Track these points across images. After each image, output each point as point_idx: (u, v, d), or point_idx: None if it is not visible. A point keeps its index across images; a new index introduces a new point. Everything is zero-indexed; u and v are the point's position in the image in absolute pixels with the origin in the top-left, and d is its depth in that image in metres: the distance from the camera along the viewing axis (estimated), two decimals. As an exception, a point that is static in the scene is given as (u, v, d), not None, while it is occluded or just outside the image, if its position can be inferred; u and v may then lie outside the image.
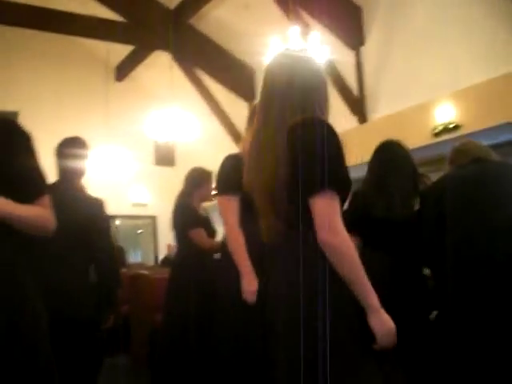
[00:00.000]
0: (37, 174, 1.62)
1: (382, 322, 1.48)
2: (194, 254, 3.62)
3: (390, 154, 2.85)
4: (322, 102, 1.61)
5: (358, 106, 7.87)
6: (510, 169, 2.51)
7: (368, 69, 7.83)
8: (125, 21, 9.00)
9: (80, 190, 2.92)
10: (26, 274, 1.52)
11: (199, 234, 3.62)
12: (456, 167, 2.63)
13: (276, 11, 7.40)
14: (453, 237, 2.40)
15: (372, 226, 2.64)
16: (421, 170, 5.83)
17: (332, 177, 1.44)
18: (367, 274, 2.39)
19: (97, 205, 2.91)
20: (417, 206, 2.67)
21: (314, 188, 1.44)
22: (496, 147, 5.92)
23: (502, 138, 6.53)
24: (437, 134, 6.74)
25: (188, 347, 3.46)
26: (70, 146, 2.89)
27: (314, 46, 6.10)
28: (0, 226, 1.47)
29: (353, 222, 2.55)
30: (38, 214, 1.57)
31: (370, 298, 1.49)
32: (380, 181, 2.73)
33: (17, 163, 1.54)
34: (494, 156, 2.66)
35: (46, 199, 1.62)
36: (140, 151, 10.09)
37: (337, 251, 1.46)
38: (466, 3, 6.48)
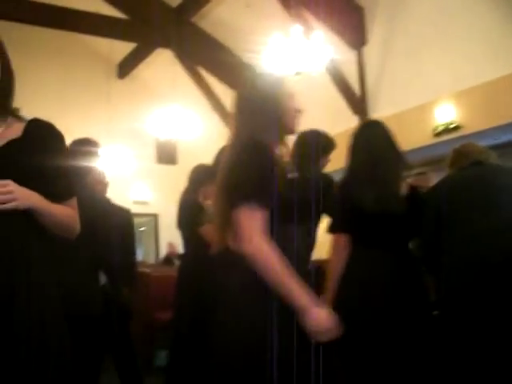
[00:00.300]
0: (68, 175, 1.63)
1: (314, 321, 1.55)
2: (205, 251, 3.59)
3: (374, 138, 2.55)
4: (273, 122, 1.74)
5: (359, 105, 7.87)
6: (508, 172, 2.53)
7: (370, 69, 7.83)
8: (127, 18, 9.01)
9: (92, 190, 2.93)
10: (49, 273, 1.53)
11: (211, 231, 3.57)
12: (456, 169, 2.65)
13: (278, 10, 7.40)
14: (451, 237, 2.42)
15: (366, 221, 2.43)
16: (421, 169, 5.87)
17: (251, 191, 1.59)
18: (363, 274, 2.37)
19: (103, 204, 2.92)
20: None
21: (234, 202, 1.61)
22: (497, 148, 5.97)
23: (503, 138, 6.55)
24: (437, 134, 6.76)
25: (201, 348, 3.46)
26: (79, 146, 2.90)
27: (316, 45, 6.11)
28: (31, 223, 1.48)
29: (343, 218, 2.47)
30: (68, 214, 1.58)
31: (297, 299, 1.55)
32: (369, 169, 2.46)
33: (50, 164, 1.55)
34: (494, 158, 2.68)
35: (75, 201, 1.63)
36: (142, 149, 10.08)
37: (253, 260, 1.56)
38: (467, 4, 6.49)
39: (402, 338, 2.32)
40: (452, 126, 6.62)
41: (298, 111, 1.81)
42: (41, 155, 1.53)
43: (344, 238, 2.47)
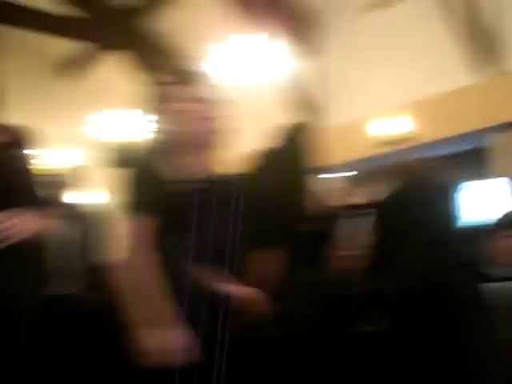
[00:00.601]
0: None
1: (144, 341, 1.48)
2: None
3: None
4: (163, 134, 1.75)
5: (316, 114, 7.91)
6: (440, 189, 2.58)
7: (327, 78, 7.89)
8: (75, 16, 8.76)
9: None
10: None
11: None
12: (393, 184, 2.69)
13: (237, 17, 7.40)
14: (391, 249, 2.46)
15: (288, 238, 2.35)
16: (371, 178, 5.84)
17: (133, 205, 1.63)
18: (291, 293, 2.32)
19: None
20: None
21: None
22: (447, 158, 6.09)
23: (453, 149, 6.68)
24: (389, 145, 6.83)
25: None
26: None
27: (273, 53, 6.13)
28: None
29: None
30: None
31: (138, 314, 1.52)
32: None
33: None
34: (436, 172, 2.72)
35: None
36: (86, 151, 9.92)
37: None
38: (421, 19, 6.64)
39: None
40: (404, 136, 6.74)
41: (201, 115, 1.75)
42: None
43: (275, 257, 2.25)
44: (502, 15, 6.03)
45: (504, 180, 5.99)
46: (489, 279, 2.48)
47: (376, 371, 2.40)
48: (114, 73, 9.07)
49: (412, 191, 2.61)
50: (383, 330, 2.43)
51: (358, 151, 6.88)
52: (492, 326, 2.35)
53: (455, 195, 2.67)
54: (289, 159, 2.41)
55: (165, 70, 7.87)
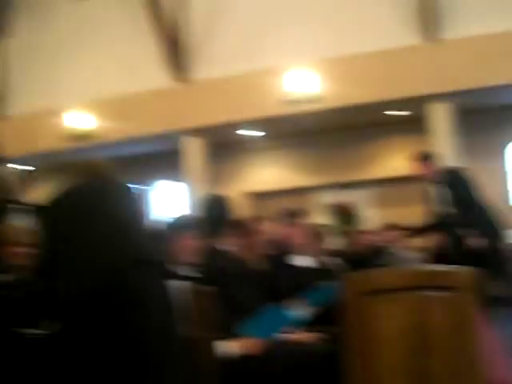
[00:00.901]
0: None
1: None
2: None
3: None
4: None
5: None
6: (121, 188, 2.52)
7: (8, 66, 7.25)
8: None
9: None
10: None
11: None
12: (69, 181, 2.51)
13: None
14: (56, 252, 2.31)
15: None
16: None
17: None
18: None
19: None
20: None
21: None
22: (133, 158, 6.15)
23: (139, 149, 6.77)
24: (69, 140, 6.62)
25: None
26: None
27: None
28: None
29: None
30: None
31: None
32: None
33: None
34: (118, 172, 2.63)
35: None
36: None
37: None
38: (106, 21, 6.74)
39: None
40: (91, 133, 6.56)
41: None
42: None
43: None
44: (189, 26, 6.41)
45: (185, 183, 6.34)
46: (172, 277, 2.54)
47: (46, 376, 2.27)
48: None
49: (89, 189, 2.49)
50: (54, 334, 2.28)
51: (40, 144, 6.51)
52: (174, 324, 2.41)
53: (140, 195, 2.62)
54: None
55: None
